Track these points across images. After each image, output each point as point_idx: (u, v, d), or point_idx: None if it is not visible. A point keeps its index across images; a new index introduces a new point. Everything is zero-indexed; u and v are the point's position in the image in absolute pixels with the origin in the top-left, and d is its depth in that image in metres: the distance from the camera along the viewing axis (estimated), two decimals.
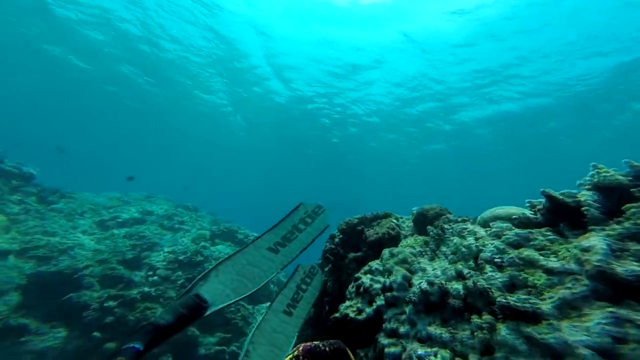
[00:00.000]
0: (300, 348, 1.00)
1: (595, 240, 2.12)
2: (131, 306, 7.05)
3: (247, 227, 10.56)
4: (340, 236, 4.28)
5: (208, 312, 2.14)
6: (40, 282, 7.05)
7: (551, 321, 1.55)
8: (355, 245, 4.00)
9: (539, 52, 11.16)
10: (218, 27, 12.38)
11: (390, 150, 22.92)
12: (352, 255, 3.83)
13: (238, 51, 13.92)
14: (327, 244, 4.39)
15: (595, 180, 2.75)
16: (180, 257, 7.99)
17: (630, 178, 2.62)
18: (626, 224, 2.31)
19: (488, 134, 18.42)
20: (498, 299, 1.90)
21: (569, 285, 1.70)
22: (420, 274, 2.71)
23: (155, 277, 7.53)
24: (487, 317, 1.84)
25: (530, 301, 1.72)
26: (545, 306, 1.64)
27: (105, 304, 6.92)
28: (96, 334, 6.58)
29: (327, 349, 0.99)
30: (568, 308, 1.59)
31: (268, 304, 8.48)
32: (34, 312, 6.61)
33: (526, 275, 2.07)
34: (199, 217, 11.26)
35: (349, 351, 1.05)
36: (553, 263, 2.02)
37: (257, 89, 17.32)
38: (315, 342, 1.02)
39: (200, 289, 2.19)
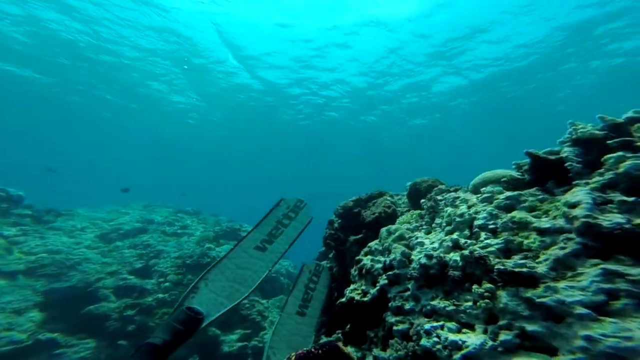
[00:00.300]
0: (293, 357, 0.99)
1: (580, 195, 2.12)
2: (149, 313, 7.12)
3: (249, 224, 10.50)
4: (339, 220, 4.28)
5: (205, 323, 2.08)
6: (56, 298, 7.12)
7: (548, 283, 1.56)
8: (355, 228, 4.00)
9: (496, 19, 10.95)
10: (177, 27, 11.81)
11: (373, 130, 22.68)
12: (352, 238, 3.83)
13: (201, 48, 13.31)
14: (327, 230, 4.39)
15: (574, 136, 2.76)
16: (188, 261, 7.99)
17: (605, 131, 2.64)
18: (606, 175, 2.33)
19: (463, 104, 18.28)
20: (496, 265, 1.91)
21: (562, 244, 1.71)
22: (418, 248, 2.72)
23: (167, 283, 7.55)
24: (487, 285, 1.86)
25: (527, 265, 1.73)
26: (541, 268, 1.65)
27: (124, 313, 6.99)
28: (122, 342, 6.68)
29: (319, 351, 1.00)
30: (563, 268, 1.60)
31: (281, 296, 8.60)
32: (59, 326, 6.74)
33: (520, 239, 2.08)
34: (201, 219, 11.18)
35: (341, 346, 1.05)
36: (544, 223, 2.02)
37: (227, 84, 16.75)
38: (307, 349, 1.02)
39: (192, 302, 2.11)
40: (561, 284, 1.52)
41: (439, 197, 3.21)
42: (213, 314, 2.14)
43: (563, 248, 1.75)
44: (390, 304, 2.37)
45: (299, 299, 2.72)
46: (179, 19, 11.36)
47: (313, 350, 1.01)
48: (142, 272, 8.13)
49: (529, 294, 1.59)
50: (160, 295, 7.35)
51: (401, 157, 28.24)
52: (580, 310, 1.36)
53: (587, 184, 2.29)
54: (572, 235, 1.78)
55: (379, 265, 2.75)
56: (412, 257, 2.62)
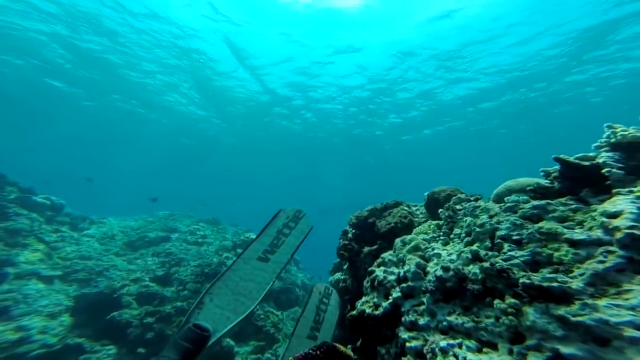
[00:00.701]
0: None
1: (623, 204, 1.86)
2: (167, 321, 7.13)
3: None
4: (353, 231, 4.10)
5: (212, 340, 1.97)
6: (85, 303, 7.30)
7: (585, 300, 1.32)
8: (369, 239, 3.80)
9: (514, 22, 10.68)
10: (192, 41, 12.51)
11: (384, 140, 22.26)
12: (366, 249, 3.64)
13: (213, 60, 13.90)
14: (341, 240, 4.21)
15: (613, 140, 2.46)
16: (206, 270, 8.00)
17: None
18: None
19: (474, 112, 17.61)
20: (521, 279, 1.68)
21: (601, 257, 1.46)
22: (435, 260, 2.50)
23: (186, 292, 7.57)
24: (510, 300, 1.62)
25: (558, 279, 1.49)
26: (576, 283, 1.41)
27: (144, 321, 7.03)
28: (140, 349, 6.70)
29: (317, 352, 0.97)
30: (604, 284, 1.35)
31: (296, 308, 8.35)
32: (85, 332, 6.84)
33: (550, 251, 1.83)
34: (221, 229, 11.29)
35: (338, 346, 1.01)
36: (578, 234, 1.77)
37: (237, 94, 17.26)
38: (305, 351, 0.97)
39: (197, 318, 2.02)
40: (602, 302, 1.28)
41: (458, 207, 2.98)
42: (220, 329, 2.03)
43: (602, 262, 1.50)
44: (403, 319, 2.15)
45: (310, 320, 2.53)
46: (194, 34, 12.02)
47: (311, 351, 0.99)
48: (163, 279, 8.24)
49: (562, 311, 1.35)
50: (179, 304, 7.36)
51: (414, 167, 27.51)
52: (634, 333, 1.11)
53: (631, 192, 2.02)
54: (614, 248, 1.53)
55: (393, 277, 2.54)
56: (428, 269, 2.40)
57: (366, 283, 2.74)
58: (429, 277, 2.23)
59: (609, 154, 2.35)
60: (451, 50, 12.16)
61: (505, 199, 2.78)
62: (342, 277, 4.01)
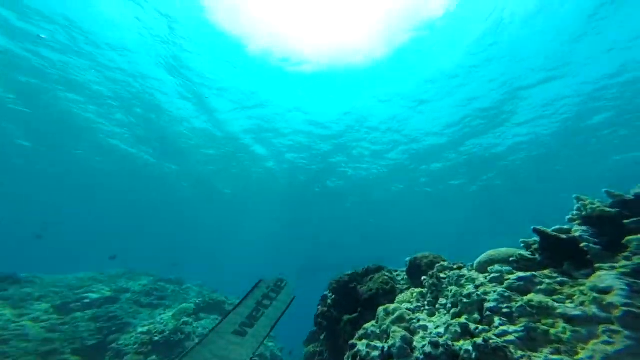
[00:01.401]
0: None
1: (610, 280, 1.84)
2: None
3: (239, 294, 9.12)
4: (333, 296, 3.78)
5: None
6: None
7: None
8: (350, 305, 3.50)
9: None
10: (150, 89, 12.54)
11: (341, 194, 22.45)
12: (346, 317, 3.32)
13: (169, 109, 13.87)
14: (319, 307, 3.86)
15: (583, 213, 2.59)
16: (156, 338, 6.78)
17: (616, 208, 2.49)
18: (634, 259, 2.08)
19: (423, 171, 18.51)
20: None
21: (605, 338, 1.37)
22: (421, 333, 2.28)
23: None
24: None
25: None
26: None
27: None
28: None
29: None
30: None
31: None
32: None
33: (545, 327, 1.71)
34: (183, 290, 10.04)
35: None
36: (572, 310, 1.69)
37: (201, 153, 17.40)
38: None
39: None
40: None
41: (442, 275, 2.87)
42: None
43: (609, 343, 1.40)
44: None
45: None
46: (151, 78, 11.89)
47: None
48: (93, 350, 6.71)
49: None
50: None
51: (388, 224, 27.12)
52: None
53: (613, 267, 2.05)
54: (617, 327, 1.46)
55: (376, 353, 2.25)
56: (415, 343, 2.16)
57: (347, 359, 2.40)
58: (417, 353, 1.99)
59: (583, 227, 2.44)
60: (397, 116, 13.22)
61: (489, 269, 2.72)
62: (319, 349, 3.55)
